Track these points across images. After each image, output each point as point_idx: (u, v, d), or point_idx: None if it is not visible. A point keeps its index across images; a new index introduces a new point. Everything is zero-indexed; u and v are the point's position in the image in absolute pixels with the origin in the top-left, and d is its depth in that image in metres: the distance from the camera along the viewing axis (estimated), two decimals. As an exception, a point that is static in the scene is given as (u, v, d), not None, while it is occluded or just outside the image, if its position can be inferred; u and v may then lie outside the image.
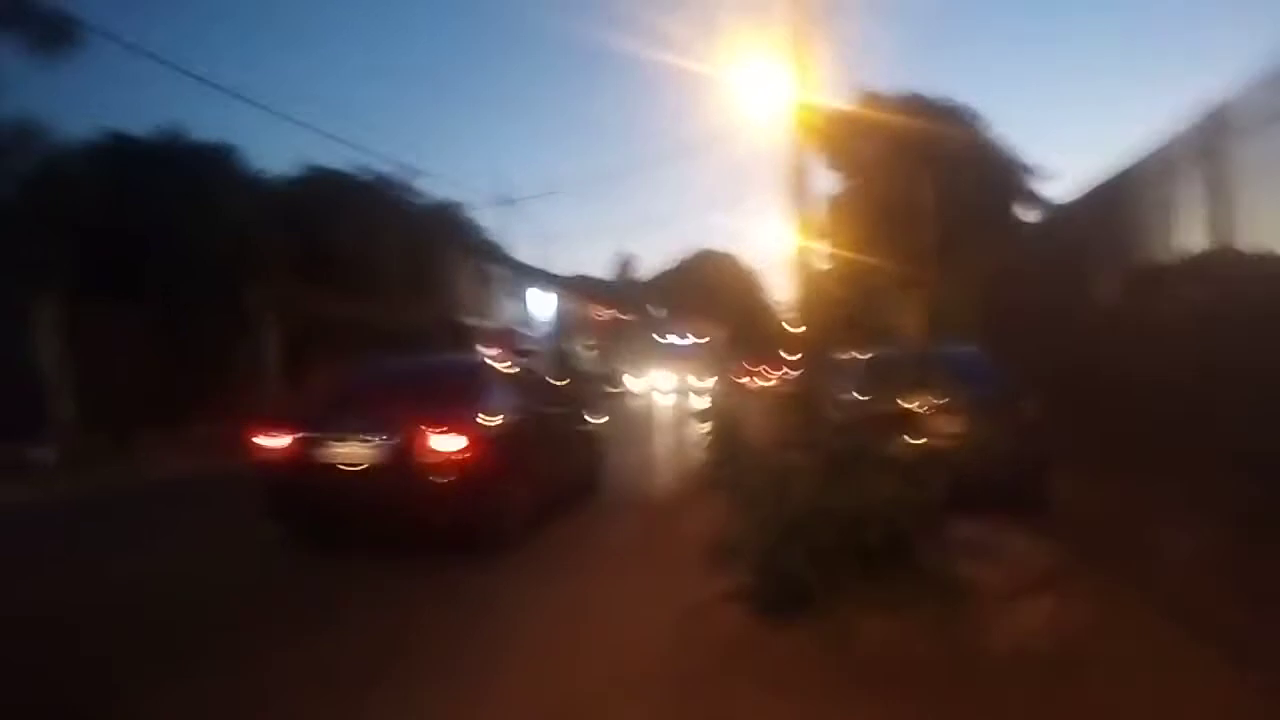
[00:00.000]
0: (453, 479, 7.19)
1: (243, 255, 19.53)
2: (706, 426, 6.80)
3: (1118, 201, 13.29)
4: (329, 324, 22.91)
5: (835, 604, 4.85)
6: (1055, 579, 5.36)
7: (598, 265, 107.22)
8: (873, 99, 29.51)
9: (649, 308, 57.30)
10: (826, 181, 31.91)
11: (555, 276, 48.42)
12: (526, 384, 9.57)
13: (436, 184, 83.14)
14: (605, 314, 55.16)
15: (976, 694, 3.93)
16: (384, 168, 30.52)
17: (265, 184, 26.12)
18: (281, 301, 20.63)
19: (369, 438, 7.30)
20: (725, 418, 6.94)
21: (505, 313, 38.73)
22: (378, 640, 5.29)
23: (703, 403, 18.67)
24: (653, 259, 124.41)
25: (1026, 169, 31.03)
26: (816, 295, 20.46)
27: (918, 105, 29.81)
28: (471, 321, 36.15)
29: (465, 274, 36.54)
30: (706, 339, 53.18)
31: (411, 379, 8.81)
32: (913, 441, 7.53)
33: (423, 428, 7.23)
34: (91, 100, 43.26)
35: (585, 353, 50.71)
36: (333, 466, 7.34)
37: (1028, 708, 3.78)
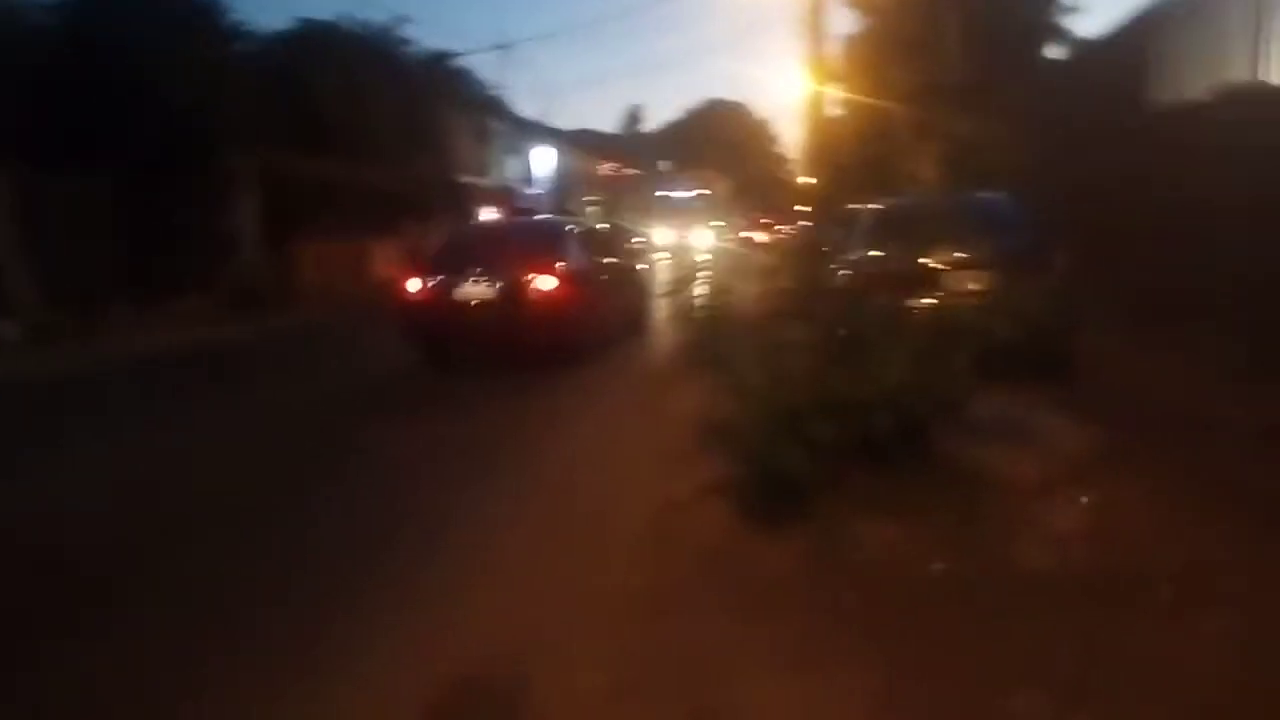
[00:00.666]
0: (547, 310, 9.53)
1: (218, 116, 18.27)
2: (691, 292, 5.99)
3: (1148, 37, 12.07)
4: (316, 187, 21.84)
5: (835, 504, 4.13)
6: (1093, 465, 4.59)
7: (603, 118, 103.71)
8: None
9: (656, 162, 55.33)
10: (843, 20, 29.94)
11: (557, 131, 46.54)
12: (594, 239, 12.14)
13: (430, 32, 78.77)
14: (610, 169, 53.37)
15: (1000, 625, 3.17)
16: (374, 17, 28.78)
17: (249, 38, 24.55)
18: (261, 165, 19.48)
19: (487, 280, 9.68)
20: (714, 282, 6.11)
21: (505, 170, 37.21)
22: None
23: (698, 260, 17.96)
24: (661, 109, 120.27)
25: (1058, 5, 28.95)
26: (828, 143, 19.32)
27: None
28: (469, 180, 34.79)
29: (462, 130, 34.92)
30: (709, 192, 51.21)
31: (512, 236, 11.72)
32: (929, 302, 6.72)
33: (526, 272, 9.63)
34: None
35: (588, 210, 49.32)
36: (460, 302, 9.74)
37: (1068, 646, 3.01)
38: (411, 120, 28.48)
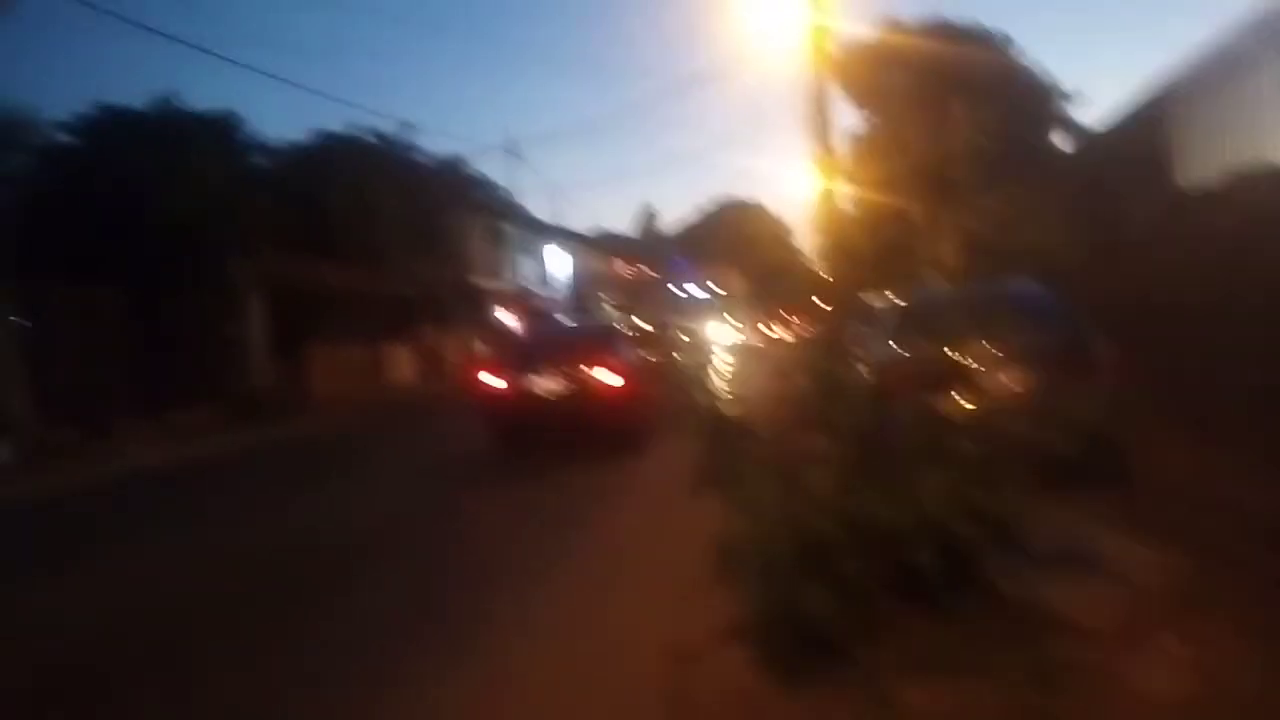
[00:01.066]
0: (609, 401, 10.83)
1: (223, 227, 18.18)
2: (703, 395, 5.42)
3: (1158, 124, 11.74)
4: (326, 294, 21.68)
5: (874, 656, 3.45)
6: (1177, 600, 3.89)
7: (619, 217, 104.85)
8: (895, 27, 27.81)
9: (673, 261, 55.36)
10: (850, 118, 30.15)
11: (572, 232, 46.84)
12: (643, 338, 14.10)
13: (440, 139, 79.75)
14: (627, 270, 53.49)
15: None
16: (385, 126, 29.22)
17: (265, 151, 24.84)
18: (268, 273, 19.30)
19: (558, 376, 11.05)
20: (728, 384, 5.55)
21: (520, 271, 37.12)
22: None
23: (712, 360, 18.06)
24: (676, 207, 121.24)
25: (1061, 94, 29.13)
26: (843, 236, 18.99)
27: (943, 32, 27.98)
28: (483, 283, 34.73)
29: (475, 233, 35.04)
30: (725, 290, 50.83)
31: (576, 337, 13.64)
32: (964, 404, 6.11)
33: (591, 368, 11.01)
34: (91, 75, 42.02)
35: (606, 309, 49.22)
36: (535, 395, 11.04)
37: None
38: (423, 225, 28.54)
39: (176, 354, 17.02)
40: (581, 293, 45.01)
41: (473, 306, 33.50)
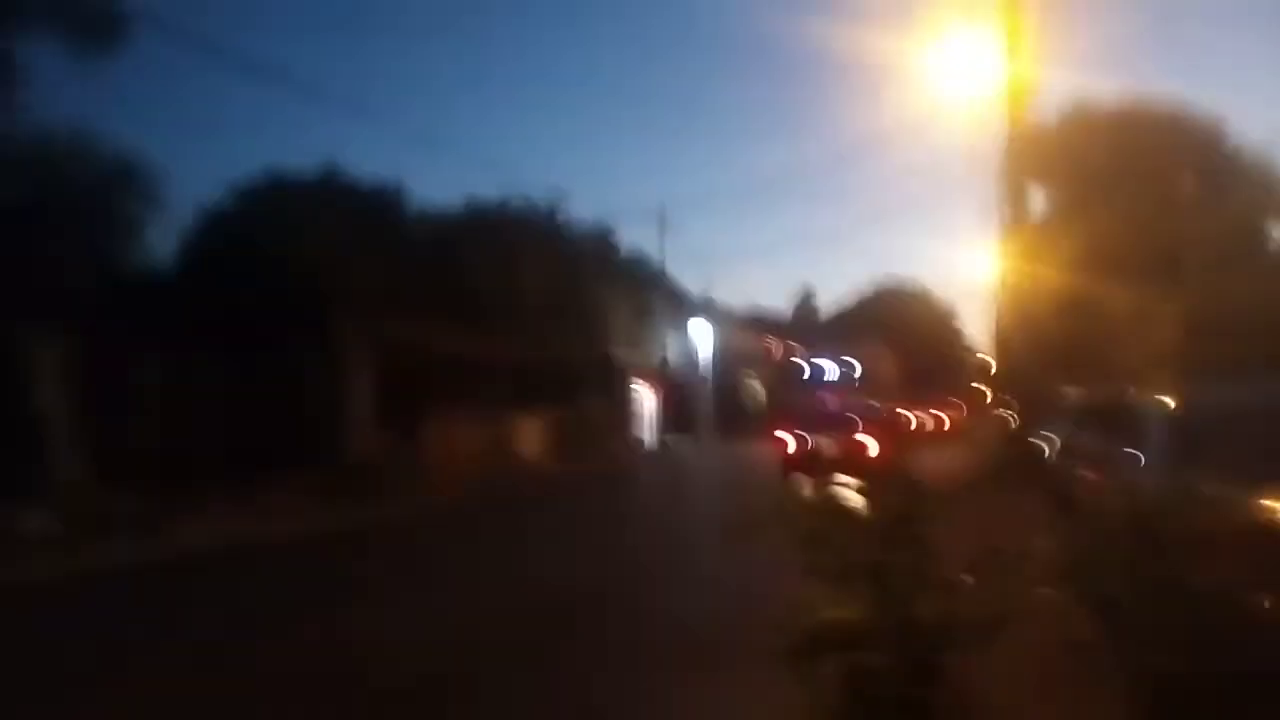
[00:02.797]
0: (868, 455, 17.58)
1: (335, 288, 17.00)
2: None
3: None
4: (452, 363, 20.28)
5: None
6: None
7: (773, 294, 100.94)
8: (1086, 107, 24.93)
9: (816, 341, 52.19)
10: (1035, 200, 27.25)
11: (724, 308, 44.72)
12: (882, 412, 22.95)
13: (592, 203, 78.27)
14: (776, 349, 50.90)
15: None
16: (538, 192, 28.63)
17: (420, 219, 24.32)
18: (383, 338, 17.95)
19: (832, 439, 18.45)
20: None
21: (664, 346, 34.90)
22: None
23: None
24: (835, 285, 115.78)
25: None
26: (1030, 324, 16.28)
27: (1145, 112, 24.90)
28: (625, 356, 32.95)
29: (620, 305, 33.46)
30: (873, 373, 45.13)
31: (842, 413, 20.44)
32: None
33: (851, 433, 18.33)
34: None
35: (754, 388, 46.82)
36: (815, 449, 18.38)
37: None
38: (566, 296, 27.28)
39: (272, 421, 15.68)
40: (726, 370, 42.68)
41: (612, 380, 31.85)
